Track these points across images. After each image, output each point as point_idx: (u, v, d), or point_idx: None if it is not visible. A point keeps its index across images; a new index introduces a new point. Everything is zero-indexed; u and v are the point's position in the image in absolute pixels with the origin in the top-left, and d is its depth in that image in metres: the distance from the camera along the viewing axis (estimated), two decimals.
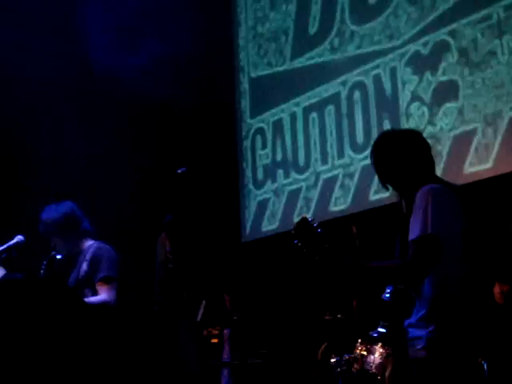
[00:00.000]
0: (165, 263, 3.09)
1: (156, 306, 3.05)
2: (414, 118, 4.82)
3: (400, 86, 4.94)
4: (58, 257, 4.21)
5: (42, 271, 4.16)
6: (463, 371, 2.86)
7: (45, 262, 4.19)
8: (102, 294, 4.21)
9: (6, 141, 5.86)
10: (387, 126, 4.98)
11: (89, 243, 4.44)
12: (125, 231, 5.30)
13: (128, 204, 5.71)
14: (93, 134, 5.86)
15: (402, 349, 3.03)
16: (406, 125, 4.85)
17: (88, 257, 4.31)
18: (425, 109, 4.77)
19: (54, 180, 5.93)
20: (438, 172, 3.24)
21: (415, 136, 3.15)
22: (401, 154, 3.05)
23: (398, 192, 3.12)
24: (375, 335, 3.50)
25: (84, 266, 4.32)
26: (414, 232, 2.84)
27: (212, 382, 4.65)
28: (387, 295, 3.27)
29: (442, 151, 4.64)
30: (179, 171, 3.39)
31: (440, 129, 4.66)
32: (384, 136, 3.12)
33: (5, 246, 4.51)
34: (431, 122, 4.72)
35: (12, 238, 4.54)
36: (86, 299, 4.24)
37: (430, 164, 3.08)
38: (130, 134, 5.95)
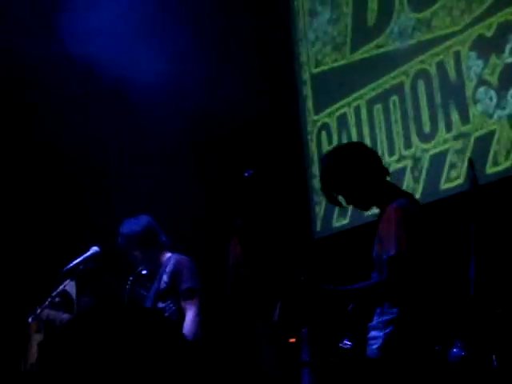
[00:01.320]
0: (237, 267, 3.09)
1: (230, 311, 3.06)
2: (482, 103, 4.70)
3: (465, 71, 4.83)
4: (144, 272, 4.27)
5: (127, 286, 4.21)
6: (414, 373, 3.05)
7: (131, 278, 4.25)
8: (191, 311, 4.22)
9: (80, 154, 5.99)
10: (454, 113, 4.87)
11: (167, 255, 4.51)
12: (195, 238, 5.35)
13: (197, 210, 5.77)
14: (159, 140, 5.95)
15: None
16: (473, 110, 4.74)
17: (168, 269, 4.37)
18: (492, 93, 4.64)
19: (124, 193, 6.04)
20: None
21: (361, 148, 3.26)
22: (354, 170, 3.15)
23: (362, 209, 3.30)
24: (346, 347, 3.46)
25: (164, 278, 4.38)
26: (390, 249, 3.02)
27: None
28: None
29: None
30: (246, 174, 3.40)
31: (510, 112, 4.52)
32: (331, 158, 3.19)
33: (81, 258, 4.62)
34: (500, 106, 4.59)
35: (87, 250, 4.65)
36: (186, 324, 4.21)
37: (384, 173, 3.22)
38: (196, 140, 6.00)
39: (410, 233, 3.07)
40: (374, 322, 3.15)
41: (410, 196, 3.32)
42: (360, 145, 3.39)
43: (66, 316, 4.60)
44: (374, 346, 3.11)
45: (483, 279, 3.44)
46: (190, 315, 4.25)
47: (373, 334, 3.15)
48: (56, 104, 5.78)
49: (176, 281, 4.32)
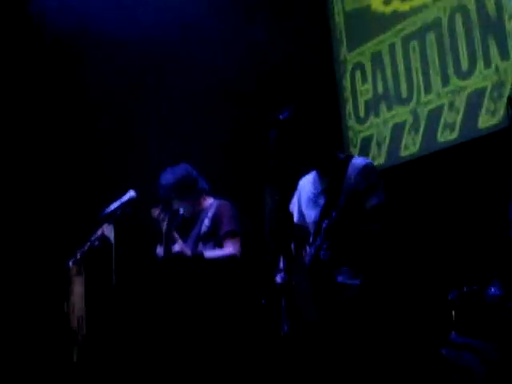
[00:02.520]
0: (275, 212, 3.10)
1: (268, 256, 3.09)
2: None
3: (505, 4, 4.67)
4: (181, 212, 4.37)
5: (165, 224, 4.31)
6: (388, 315, 3.35)
7: (168, 217, 4.34)
8: (229, 248, 4.37)
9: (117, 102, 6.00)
10: (494, 48, 4.74)
11: (209, 201, 4.64)
12: (233, 183, 5.35)
13: (234, 155, 5.76)
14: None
15: None
16: None
17: (210, 214, 4.51)
18: None
19: (159, 138, 6.06)
20: None
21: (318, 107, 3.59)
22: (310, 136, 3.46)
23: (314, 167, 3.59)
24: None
25: (206, 222, 4.51)
26: (373, 200, 3.38)
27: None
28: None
29: None
30: (281, 117, 3.37)
31: None
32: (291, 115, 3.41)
33: (118, 203, 4.66)
34: None
35: (124, 194, 4.69)
36: (214, 252, 4.39)
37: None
38: (230, 86, 5.95)
39: (384, 187, 3.47)
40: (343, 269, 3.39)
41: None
42: (305, 111, 3.57)
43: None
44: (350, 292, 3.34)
45: None
46: (226, 249, 4.35)
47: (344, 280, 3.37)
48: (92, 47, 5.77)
49: (217, 225, 4.45)
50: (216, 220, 4.48)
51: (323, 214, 3.43)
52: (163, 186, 4.62)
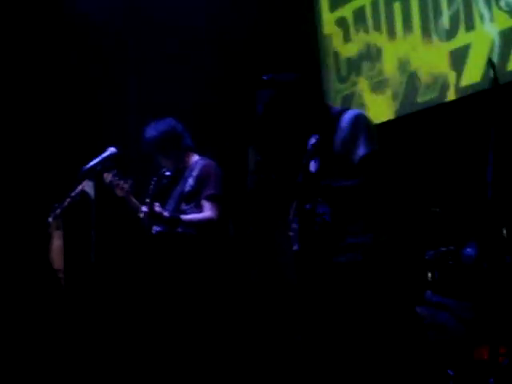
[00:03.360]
0: (256, 173, 3.11)
1: (249, 216, 3.10)
2: None
3: None
4: (167, 173, 4.34)
5: (151, 187, 4.28)
6: (396, 278, 3.30)
7: (154, 178, 4.31)
8: (208, 211, 4.35)
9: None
10: (475, 9, 4.74)
11: (194, 159, 4.57)
12: (215, 142, 5.34)
13: (218, 114, 5.73)
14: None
15: None
16: (495, 8, 4.60)
17: (195, 173, 4.44)
18: None
19: (143, 94, 5.99)
20: None
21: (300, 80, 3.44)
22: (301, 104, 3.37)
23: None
24: None
25: (190, 181, 4.45)
26: (361, 150, 3.25)
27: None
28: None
29: None
30: (265, 78, 3.35)
31: None
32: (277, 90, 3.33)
33: (99, 159, 4.63)
34: None
35: (105, 151, 4.66)
36: (192, 215, 4.39)
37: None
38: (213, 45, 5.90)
39: (376, 137, 3.35)
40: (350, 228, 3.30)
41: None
42: (293, 77, 3.49)
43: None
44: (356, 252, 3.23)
45: (501, 182, 3.45)
46: (205, 213, 4.35)
47: (350, 240, 3.28)
48: None
49: (201, 185, 4.40)
50: (201, 180, 4.43)
51: (318, 174, 3.39)
52: (146, 140, 4.55)
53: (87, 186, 4.78)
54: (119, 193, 4.44)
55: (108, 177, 4.48)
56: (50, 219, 4.90)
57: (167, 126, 4.53)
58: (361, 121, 3.40)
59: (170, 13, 5.84)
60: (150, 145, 4.52)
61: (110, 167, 4.75)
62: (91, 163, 4.66)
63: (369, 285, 3.19)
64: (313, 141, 3.49)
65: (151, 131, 4.54)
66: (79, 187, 4.79)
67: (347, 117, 3.43)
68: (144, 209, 4.31)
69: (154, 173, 4.42)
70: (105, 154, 4.68)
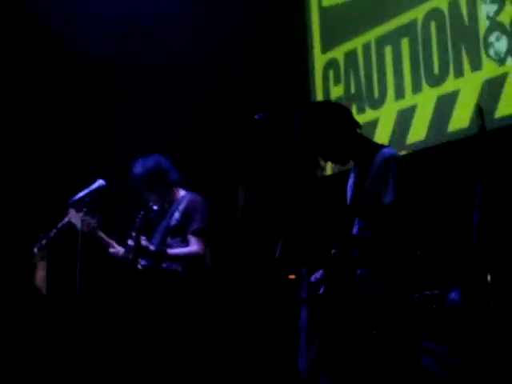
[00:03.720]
0: (245, 211, 3.13)
1: (239, 253, 3.11)
2: (494, 47, 4.65)
3: (479, 12, 4.75)
4: (155, 208, 4.37)
5: (137, 220, 4.32)
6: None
7: (142, 212, 4.35)
8: (194, 246, 4.37)
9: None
10: (465, 57, 4.82)
11: (181, 194, 4.62)
12: (205, 179, 5.36)
13: (209, 151, 5.75)
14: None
15: None
16: (484, 56, 4.69)
17: (181, 207, 4.48)
18: (505, 38, 4.58)
19: (133, 126, 6.01)
20: None
21: (332, 105, 3.43)
22: (329, 125, 3.28)
23: (340, 163, 3.42)
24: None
25: (176, 215, 4.49)
26: (388, 196, 3.14)
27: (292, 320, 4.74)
28: None
29: None
30: (257, 117, 3.38)
31: None
32: (304, 116, 3.27)
33: (87, 191, 4.66)
34: None
35: (93, 183, 4.68)
36: (177, 250, 4.40)
37: (356, 126, 3.37)
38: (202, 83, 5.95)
39: (405, 181, 3.22)
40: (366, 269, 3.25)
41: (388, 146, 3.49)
42: (329, 102, 3.50)
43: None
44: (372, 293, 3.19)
45: (486, 227, 3.48)
46: (191, 248, 4.36)
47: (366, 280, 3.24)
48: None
49: (187, 220, 4.43)
50: (187, 214, 4.46)
51: (349, 207, 3.35)
52: (133, 176, 4.62)
53: (74, 218, 4.78)
54: (85, 229, 4.51)
55: (73, 214, 4.55)
56: (35, 249, 4.88)
57: (153, 163, 4.59)
58: (393, 162, 3.25)
59: (161, 45, 5.90)
60: (136, 181, 4.60)
61: (99, 200, 4.77)
62: (79, 194, 4.68)
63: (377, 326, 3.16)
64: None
65: (138, 168, 4.61)
66: (66, 218, 4.79)
67: (382, 154, 3.30)
68: (130, 242, 4.33)
69: (141, 206, 4.44)
70: (93, 186, 4.70)
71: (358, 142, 3.37)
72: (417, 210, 3.24)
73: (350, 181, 3.48)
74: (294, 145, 3.21)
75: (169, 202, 4.61)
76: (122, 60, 6.10)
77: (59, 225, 4.80)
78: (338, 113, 3.34)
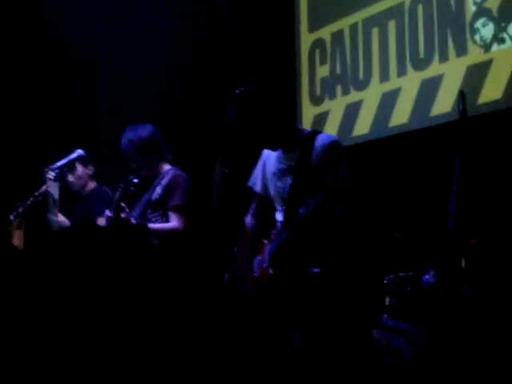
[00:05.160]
0: (222, 185, 3.11)
1: (214, 227, 3.10)
2: (480, 33, 4.65)
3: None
4: (135, 181, 4.31)
5: (117, 193, 4.25)
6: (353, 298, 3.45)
7: (121, 185, 4.28)
8: (174, 222, 4.31)
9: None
10: (450, 42, 4.82)
11: (166, 168, 4.53)
12: (184, 153, 5.33)
13: (188, 126, 5.73)
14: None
15: None
16: (470, 41, 4.69)
17: (164, 182, 4.39)
18: (491, 24, 4.58)
19: (113, 97, 5.97)
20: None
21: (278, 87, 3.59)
22: (277, 104, 3.47)
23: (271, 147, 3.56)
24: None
25: (158, 190, 4.41)
26: (335, 178, 3.30)
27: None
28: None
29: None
30: (238, 91, 3.36)
31: (510, 45, 4.48)
32: (251, 90, 3.41)
33: (65, 160, 4.63)
34: (498, 38, 4.55)
35: (72, 152, 4.65)
36: (158, 224, 4.35)
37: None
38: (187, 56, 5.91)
39: (349, 164, 3.43)
40: None
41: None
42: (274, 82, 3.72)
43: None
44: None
45: (463, 212, 3.50)
46: (172, 224, 4.33)
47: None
48: None
49: (168, 195, 4.36)
50: (168, 190, 4.38)
51: (292, 195, 3.43)
52: (130, 139, 4.44)
53: (52, 187, 4.75)
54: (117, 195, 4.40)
55: (50, 183, 4.49)
56: (12, 217, 4.84)
57: (149, 131, 4.47)
58: (338, 147, 3.48)
59: (143, 22, 5.86)
60: (132, 144, 4.44)
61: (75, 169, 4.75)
62: (57, 163, 4.64)
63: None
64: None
65: (133, 133, 4.46)
66: (43, 187, 4.76)
67: (322, 142, 3.48)
68: (107, 213, 4.27)
69: (120, 178, 4.39)
70: (72, 156, 4.68)
71: (294, 126, 3.59)
72: (361, 192, 3.36)
73: (276, 166, 3.61)
74: (236, 121, 3.27)
75: (154, 175, 4.52)
76: (103, 31, 6.09)
77: (36, 193, 4.77)
78: (282, 94, 3.51)
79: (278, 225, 3.56)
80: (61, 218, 4.75)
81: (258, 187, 3.73)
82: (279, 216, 3.57)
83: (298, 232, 3.37)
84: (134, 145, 4.42)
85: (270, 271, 3.43)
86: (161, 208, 4.41)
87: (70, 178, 4.85)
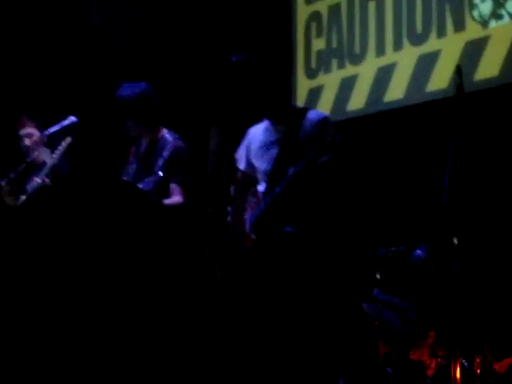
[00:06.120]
0: (217, 153, 3.09)
1: (208, 195, 3.09)
2: (478, 9, 4.62)
3: None
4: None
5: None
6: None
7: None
8: (178, 196, 4.10)
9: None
10: (448, 17, 4.78)
11: (163, 132, 4.26)
12: (180, 119, 5.29)
13: (184, 93, 5.67)
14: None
15: None
16: (468, 17, 4.65)
17: (166, 155, 4.06)
18: (490, 0, 4.55)
19: (106, 63, 5.91)
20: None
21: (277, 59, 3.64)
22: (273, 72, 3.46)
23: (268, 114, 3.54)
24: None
25: (160, 163, 4.10)
26: (327, 156, 3.29)
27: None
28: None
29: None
30: (234, 59, 3.33)
31: (508, 22, 4.44)
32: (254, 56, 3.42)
33: (58, 127, 4.58)
34: (496, 15, 4.52)
35: (65, 119, 4.60)
36: (169, 200, 4.14)
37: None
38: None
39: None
40: None
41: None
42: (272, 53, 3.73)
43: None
44: None
45: (456, 188, 3.50)
46: (178, 198, 4.13)
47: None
48: None
49: (172, 171, 4.07)
50: (172, 164, 4.03)
51: (277, 164, 3.44)
52: (123, 98, 4.13)
53: (43, 153, 4.72)
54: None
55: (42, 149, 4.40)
56: (3, 183, 4.80)
57: (147, 89, 4.17)
58: (327, 125, 3.50)
59: None
60: (125, 104, 4.13)
61: (70, 137, 4.70)
62: (50, 130, 4.60)
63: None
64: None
65: (131, 89, 4.15)
66: (35, 153, 4.72)
67: (312, 118, 3.50)
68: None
69: (114, 144, 4.33)
70: (65, 123, 4.62)
71: (283, 100, 3.59)
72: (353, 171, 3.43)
73: (264, 138, 3.60)
74: (232, 86, 3.26)
75: (151, 139, 4.26)
76: None
77: (28, 159, 4.73)
78: (278, 66, 3.54)
79: (260, 195, 3.57)
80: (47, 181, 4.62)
81: (242, 165, 3.71)
82: (261, 187, 3.58)
83: (285, 192, 3.37)
84: (127, 104, 4.12)
85: (253, 237, 3.45)
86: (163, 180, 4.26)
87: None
